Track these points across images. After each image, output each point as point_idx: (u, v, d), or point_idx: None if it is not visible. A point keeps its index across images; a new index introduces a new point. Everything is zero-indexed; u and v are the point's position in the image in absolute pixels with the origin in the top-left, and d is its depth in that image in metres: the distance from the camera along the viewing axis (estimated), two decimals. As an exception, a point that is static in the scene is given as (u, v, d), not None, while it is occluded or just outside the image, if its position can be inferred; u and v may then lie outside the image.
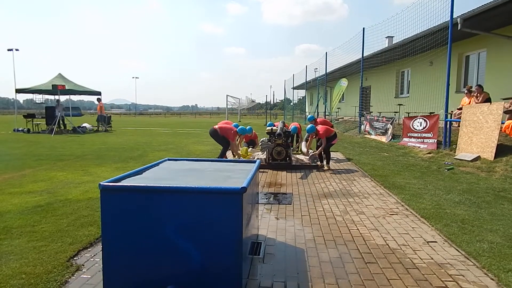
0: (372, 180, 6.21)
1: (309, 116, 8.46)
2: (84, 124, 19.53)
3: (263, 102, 60.46)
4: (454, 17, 8.97)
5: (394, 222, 3.94)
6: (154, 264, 2.41)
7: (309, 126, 7.69)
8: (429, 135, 9.80)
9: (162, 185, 2.56)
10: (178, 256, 2.39)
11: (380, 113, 14.55)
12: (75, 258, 2.95)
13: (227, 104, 34.09)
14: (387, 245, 3.29)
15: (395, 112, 13.96)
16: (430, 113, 10.46)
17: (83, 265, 2.83)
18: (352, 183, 5.94)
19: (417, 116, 10.50)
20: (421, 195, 5.09)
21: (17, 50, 32.43)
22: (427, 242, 3.35)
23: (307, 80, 28.31)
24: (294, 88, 34.90)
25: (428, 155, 8.83)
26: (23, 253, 2.98)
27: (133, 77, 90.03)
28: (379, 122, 13.04)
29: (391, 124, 12.22)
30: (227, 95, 33.40)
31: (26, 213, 4.04)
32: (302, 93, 37.84)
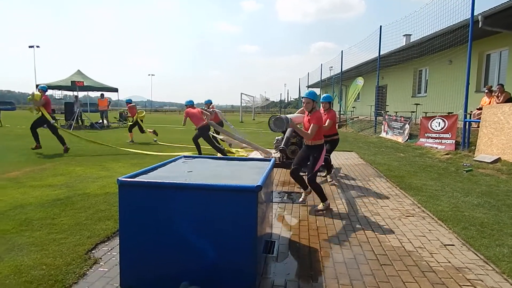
0: (387, 181, 6.13)
1: (325, 95, 5.85)
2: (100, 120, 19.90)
3: (277, 101, 60.34)
4: (475, 14, 8.74)
5: (410, 224, 3.88)
6: (170, 259, 2.45)
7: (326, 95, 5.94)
8: (447, 135, 9.59)
9: (178, 182, 2.59)
10: (193, 253, 2.42)
11: (396, 112, 14.32)
12: (93, 251, 3.02)
13: (241, 102, 34.13)
14: (403, 247, 3.24)
15: (412, 111, 13.71)
16: (449, 113, 10.24)
17: (101, 258, 2.89)
18: (367, 184, 5.88)
19: (435, 116, 10.29)
20: (438, 197, 4.99)
21: (38, 47, 33.21)
22: (444, 245, 3.29)
23: (322, 78, 28.07)
24: (308, 86, 34.68)
25: (446, 156, 8.65)
26: (43, 244, 3.07)
27: (149, 75, 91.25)
28: (397, 122, 12.83)
29: (408, 124, 12.01)
30: (241, 93, 33.41)
31: (46, 206, 4.15)
32: (317, 91, 37.56)
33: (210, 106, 10.92)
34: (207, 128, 8.34)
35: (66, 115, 18.12)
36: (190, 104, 8.67)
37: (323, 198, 4.32)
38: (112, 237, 3.32)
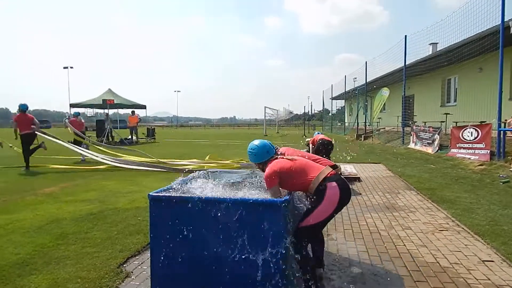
0: (418, 193, 5.93)
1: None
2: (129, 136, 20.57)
3: (301, 113, 60.15)
4: (505, 20, 8.45)
5: (444, 238, 3.72)
6: (199, 273, 2.47)
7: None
8: (480, 145, 9.19)
9: (208, 196, 2.64)
10: (222, 266, 2.43)
11: (425, 122, 13.91)
12: (124, 265, 3.09)
13: (265, 116, 34.32)
14: (438, 263, 3.11)
15: (441, 121, 13.28)
16: (481, 122, 9.83)
17: (132, 272, 2.96)
18: (396, 196, 5.71)
19: (467, 126, 9.91)
20: (473, 210, 4.77)
21: (71, 67, 34.92)
22: (483, 261, 3.13)
23: (346, 90, 27.83)
24: (332, 98, 34.44)
25: (480, 167, 8.27)
26: (78, 258, 3.18)
27: (174, 91, 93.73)
28: (426, 132, 12.45)
29: (438, 134, 11.63)
30: (265, 107, 33.65)
31: (80, 220, 4.32)
32: (341, 103, 37.22)
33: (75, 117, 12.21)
34: (31, 135, 8.57)
35: (97, 132, 18.88)
36: (24, 108, 8.75)
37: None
38: (143, 251, 3.40)
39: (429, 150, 11.69)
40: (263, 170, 2.72)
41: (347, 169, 8.02)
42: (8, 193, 5.81)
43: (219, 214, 2.46)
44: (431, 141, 11.92)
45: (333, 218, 4.28)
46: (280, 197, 2.51)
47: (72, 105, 21.08)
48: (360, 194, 5.94)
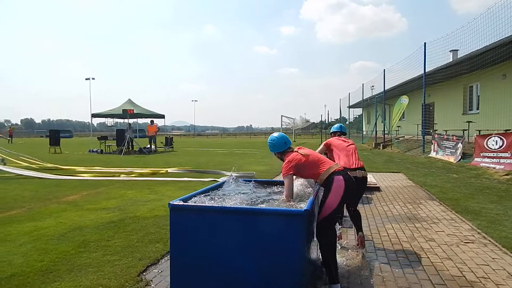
0: (441, 204, 5.75)
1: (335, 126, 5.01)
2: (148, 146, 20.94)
3: (318, 122, 59.80)
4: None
5: (470, 251, 3.59)
6: (219, 283, 2.46)
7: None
8: (506, 154, 8.88)
9: (228, 206, 2.65)
10: (242, 276, 2.42)
11: (446, 131, 13.58)
12: (144, 274, 3.12)
13: (281, 124, 34.33)
14: (464, 276, 2.99)
15: (463, 130, 12.94)
16: (506, 130, 9.52)
17: (151, 281, 2.98)
18: (418, 207, 5.56)
19: (492, 134, 9.61)
20: (500, 221, 4.59)
21: (93, 79, 36.07)
22: (512, 275, 2.99)
23: (364, 98, 27.53)
24: (350, 106, 34.11)
25: (506, 176, 7.98)
26: (99, 266, 3.23)
27: (192, 100, 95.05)
28: (449, 141, 12.14)
29: (461, 143, 11.31)
30: (281, 115, 33.70)
31: (101, 228, 4.39)
32: (358, 111, 36.82)
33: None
34: None
35: (117, 141, 19.30)
36: None
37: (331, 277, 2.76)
38: (162, 260, 3.42)
39: (451, 159, 11.37)
40: (282, 160, 3.09)
41: (366, 178, 7.87)
42: (32, 201, 5.99)
43: (241, 224, 2.45)
44: (453, 150, 11.60)
45: (353, 229, 4.22)
46: (291, 189, 2.85)
47: (93, 115, 21.66)
48: (380, 204, 5.82)
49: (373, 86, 26.90)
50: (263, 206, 2.82)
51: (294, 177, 3.01)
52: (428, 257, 3.44)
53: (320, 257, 2.89)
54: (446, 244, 3.80)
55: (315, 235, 2.89)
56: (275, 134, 3.20)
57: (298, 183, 3.18)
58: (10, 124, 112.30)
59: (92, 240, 3.92)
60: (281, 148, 3.12)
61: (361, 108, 32.82)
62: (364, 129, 32.31)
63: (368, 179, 7.75)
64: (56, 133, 21.06)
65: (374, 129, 23.08)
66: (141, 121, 24.57)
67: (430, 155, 13.30)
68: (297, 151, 3.06)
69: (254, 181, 3.88)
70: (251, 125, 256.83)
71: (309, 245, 2.69)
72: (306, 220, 2.42)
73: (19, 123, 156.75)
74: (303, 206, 2.79)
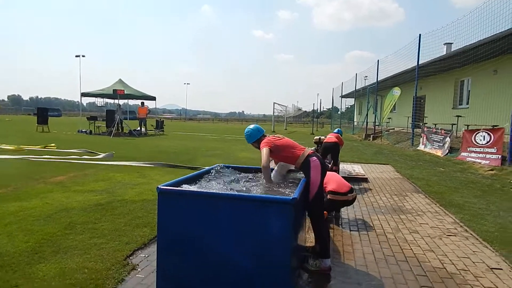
0: (426, 196, 5.87)
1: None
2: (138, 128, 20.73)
3: (310, 110, 59.93)
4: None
5: (452, 244, 3.68)
6: (206, 269, 2.48)
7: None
8: (492, 150, 9.05)
9: (216, 192, 2.65)
10: (229, 263, 2.44)
11: (435, 124, 13.74)
12: (131, 258, 3.12)
13: (273, 112, 34.27)
14: (445, 268, 3.08)
15: (452, 124, 13.11)
16: (493, 126, 9.68)
17: (138, 265, 2.98)
18: (404, 199, 5.66)
19: (480, 129, 9.76)
20: (482, 215, 4.71)
21: (83, 56, 35.31)
22: (491, 268, 3.09)
23: (357, 88, 27.59)
24: (342, 96, 34.19)
25: (490, 172, 8.15)
26: (85, 248, 3.22)
27: (184, 83, 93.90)
28: (437, 134, 12.30)
29: (449, 137, 11.48)
30: (274, 103, 33.57)
31: (88, 210, 4.36)
32: (350, 101, 36.96)
33: None
34: None
35: (107, 122, 19.03)
36: None
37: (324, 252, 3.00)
38: (149, 244, 3.42)
39: (439, 153, 11.55)
40: (259, 148, 3.30)
41: (355, 169, 7.97)
42: (19, 181, 5.90)
43: (229, 210, 2.46)
44: (441, 144, 11.78)
45: (340, 220, 4.29)
46: (268, 157, 3.14)
47: (83, 94, 21.26)
48: (367, 195, 5.90)
49: (366, 76, 26.95)
50: (252, 193, 2.83)
51: (272, 163, 3.30)
52: (411, 249, 3.52)
53: (314, 236, 3.12)
54: (429, 237, 3.89)
55: (308, 214, 3.17)
56: (250, 126, 3.44)
57: (275, 172, 3.42)
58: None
59: (79, 222, 3.90)
60: (256, 136, 3.35)
61: (354, 99, 32.91)
62: (355, 120, 32.49)
63: (357, 170, 7.88)
64: (44, 111, 20.64)
65: (365, 120, 23.23)
66: (131, 102, 24.20)
67: (418, 148, 13.48)
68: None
69: (242, 168, 3.89)
70: (243, 112, 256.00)
71: (297, 234, 2.72)
72: (294, 209, 2.44)
73: (6, 99, 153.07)
74: (288, 193, 2.82)
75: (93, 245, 3.29)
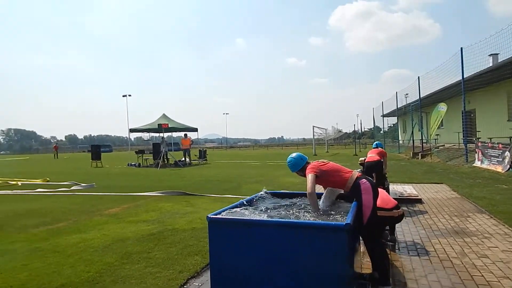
0: (491, 217, 5.38)
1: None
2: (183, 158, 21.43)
3: (350, 132, 58.64)
4: None
5: (529, 269, 3.30)
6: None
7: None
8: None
9: (266, 219, 2.63)
10: (283, 291, 2.37)
11: (490, 138, 12.80)
12: (185, 286, 3.14)
13: (313, 135, 33.93)
14: (525, 297, 2.75)
15: (510, 137, 12.13)
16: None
17: (193, 294, 2.98)
18: (466, 220, 5.23)
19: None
20: (562, 237, 4.20)
21: (129, 95, 37.68)
22: None
23: (398, 106, 26.70)
24: (383, 115, 33.19)
25: None
26: (142, 277, 3.30)
27: (223, 113, 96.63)
28: (494, 149, 11.43)
29: (509, 151, 10.61)
30: (313, 126, 33.29)
31: (142, 240, 4.50)
32: (392, 120, 35.73)
33: None
34: None
35: (154, 155, 19.92)
36: None
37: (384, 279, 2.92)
38: (201, 272, 3.43)
39: (499, 168, 10.67)
40: (304, 176, 3.20)
41: (406, 189, 7.56)
42: (78, 214, 6.28)
43: (280, 238, 2.42)
44: (500, 159, 10.90)
45: (397, 244, 4.05)
46: (313, 184, 3.01)
47: (131, 130, 22.57)
48: (424, 217, 5.54)
49: (407, 94, 26.10)
50: (301, 219, 2.77)
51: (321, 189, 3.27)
52: (483, 275, 3.20)
53: (371, 262, 2.97)
54: (502, 261, 3.52)
55: (362, 239, 3.07)
56: (292, 155, 3.37)
57: (324, 198, 3.29)
58: (55, 140, 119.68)
59: (134, 252, 4.02)
60: (300, 164, 3.27)
61: (396, 117, 31.80)
62: (400, 138, 31.21)
63: (408, 191, 7.47)
64: (97, 148, 22.12)
65: (411, 138, 22.22)
66: (175, 134, 25.25)
67: (474, 164, 12.57)
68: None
69: (288, 193, 3.85)
70: (282, 136, 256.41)
71: (352, 260, 2.60)
72: (348, 234, 2.34)
73: (64, 139, 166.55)
74: (339, 218, 2.73)
75: (148, 274, 3.37)
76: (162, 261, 3.73)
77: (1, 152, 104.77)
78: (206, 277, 3.27)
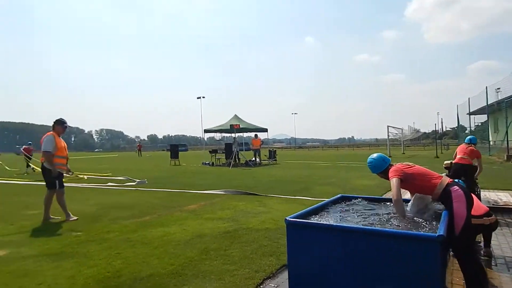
0: None
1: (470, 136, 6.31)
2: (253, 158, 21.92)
3: (430, 131, 54.12)
4: None
5: None
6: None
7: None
8: None
9: (348, 225, 2.55)
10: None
11: None
12: (261, 286, 3.19)
13: (388, 135, 32.03)
14: None
15: None
16: None
17: (269, 294, 3.02)
18: None
19: None
20: None
21: (203, 97, 39.74)
22: None
23: (489, 103, 23.83)
24: (470, 113, 29.90)
25: None
26: (220, 274, 3.44)
27: (292, 113, 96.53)
28: None
29: None
30: (387, 126, 31.44)
31: (219, 237, 4.71)
32: (479, 118, 32.05)
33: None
34: None
35: (226, 154, 20.74)
36: None
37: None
38: (276, 274, 3.46)
39: None
40: (387, 178, 3.05)
41: (501, 198, 6.72)
42: (160, 209, 6.81)
43: (363, 247, 2.33)
44: None
45: (493, 258, 3.63)
46: (399, 190, 2.83)
47: (205, 131, 23.81)
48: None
49: (498, 88, 23.17)
50: (386, 227, 2.62)
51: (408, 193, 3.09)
52: None
53: (464, 279, 2.71)
54: None
55: (453, 251, 2.88)
56: (373, 155, 3.25)
57: (411, 205, 3.04)
58: (139, 140, 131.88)
59: (212, 249, 4.22)
60: (382, 166, 3.14)
61: (486, 115, 28.43)
62: (490, 139, 27.86)
63: (504, 199, 6.63)
64: (175, 147, 23.79)
65: (505, 139, 19.68)
66: (245, 135, 25.97)
67: None
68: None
69: (369, 198, 3.68)
70: (353, 137, 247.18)
71: (444, 276, 2.39)
72: (441, 247, 2.15)
73: (146, 138, 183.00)
74: (428, 228, 2.51)
75: (226, 271, 3.50)
76: (238, 259, 3.85)
77: (96, 150, 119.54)
78: (282, 279, 3.30)
